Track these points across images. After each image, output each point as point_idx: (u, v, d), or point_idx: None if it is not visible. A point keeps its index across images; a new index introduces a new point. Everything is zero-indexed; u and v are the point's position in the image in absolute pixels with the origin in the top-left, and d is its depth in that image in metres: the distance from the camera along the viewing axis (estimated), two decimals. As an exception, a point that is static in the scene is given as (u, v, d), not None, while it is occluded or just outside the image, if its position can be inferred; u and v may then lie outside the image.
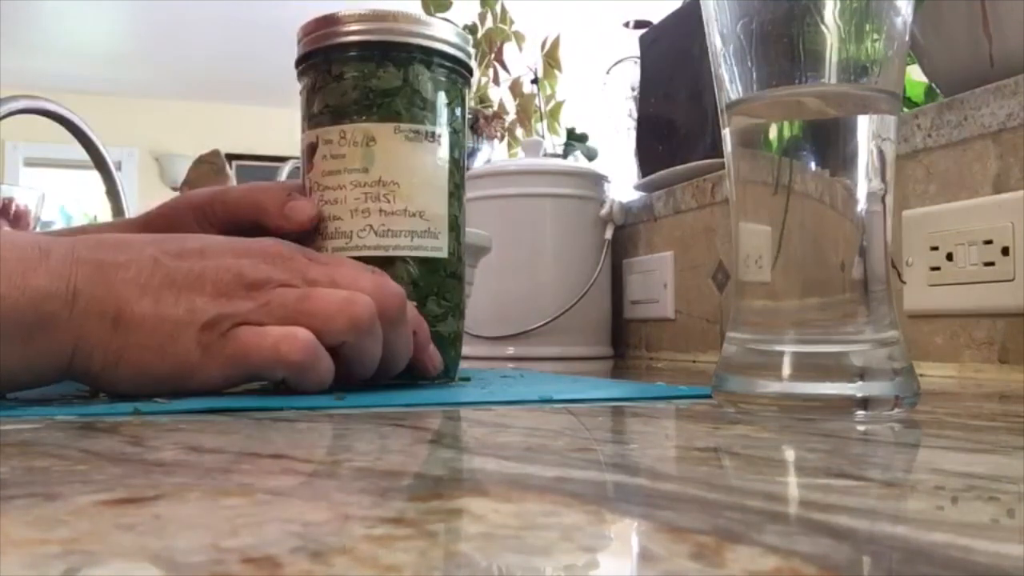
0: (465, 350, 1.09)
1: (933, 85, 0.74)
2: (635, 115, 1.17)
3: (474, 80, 0.73)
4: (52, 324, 0.34)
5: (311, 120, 0.46)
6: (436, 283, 0.46)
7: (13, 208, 1.09)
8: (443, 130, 0.46)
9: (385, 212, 0.43)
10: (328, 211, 0.44)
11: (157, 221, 0.49)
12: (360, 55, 0.45)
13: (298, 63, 0.47)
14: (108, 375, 0.37)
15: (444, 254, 0.46)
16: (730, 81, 0.36)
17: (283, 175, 1.33)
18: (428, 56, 0.45)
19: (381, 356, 0.40)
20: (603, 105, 1.31)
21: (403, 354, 0.42)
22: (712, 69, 0.37)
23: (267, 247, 0.40)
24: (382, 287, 0.40)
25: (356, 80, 0.44)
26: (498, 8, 1.30)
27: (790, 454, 0.25)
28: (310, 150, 0.45)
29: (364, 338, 0.39)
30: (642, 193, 1.11)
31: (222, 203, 0.48)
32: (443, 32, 0.46)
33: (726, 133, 0.37)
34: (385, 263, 0.43)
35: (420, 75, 0.45)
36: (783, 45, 0.34)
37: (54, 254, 0.35)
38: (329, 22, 0.45)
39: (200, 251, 0.38)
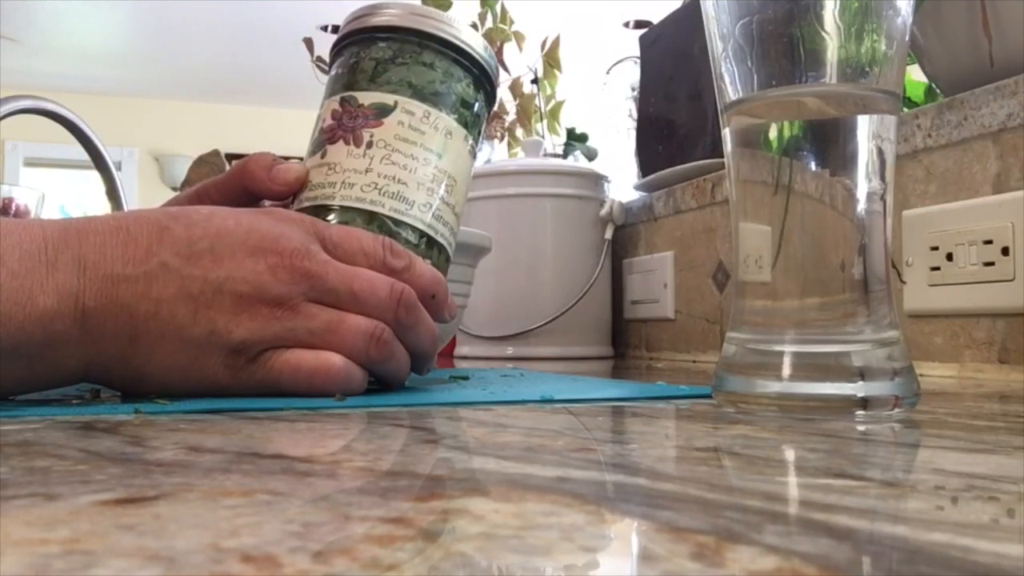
0: (465, 350, 1.10)
1: (933, 85, 0.74)
2: (635, 115, 1.17)
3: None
4: (61, 343, 0.34)
5: (383, 84, 0.47)
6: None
7: (13, 208, 1.09)
8: (477, 150, 0.51)
9: (444, 200, 0.46)
10: (390, 171, 0.45)
11: None
12: (455, 60, 0.47)
13: (380, 30, 0.47)
14: (130, 388, 0.37)
15: (451, 253, 0.48)
16: (730, 81, 0.36)
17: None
18: (492, 88, 0.50)
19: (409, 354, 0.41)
20: (603, 105, 1.31)
21: (429, 348, 0.42)
22: (712, 69, 0.37)
23: (280, 240, 0.38)
24: (401, 292, 0.40)
25: (445, 77, 0.47)
26: (498, 8, 1.29)
27: (790, 454, 0.25)
28: (381, 109, 0.46)
29: (390, 363, 0.40)
30: (642, 193, 1.11)
31: (214, 187, 0.47)
32: (495, 69, 0.50)
33: (726, 133, 0.37)
34: (431, 243, 0.46)
35: (488, 103, 0.50)
36: (783, 45, 0.34)
37: (61, 263, 0.34)
38: (436, 16, 0.48)
39: (211, 250, 0.37)
